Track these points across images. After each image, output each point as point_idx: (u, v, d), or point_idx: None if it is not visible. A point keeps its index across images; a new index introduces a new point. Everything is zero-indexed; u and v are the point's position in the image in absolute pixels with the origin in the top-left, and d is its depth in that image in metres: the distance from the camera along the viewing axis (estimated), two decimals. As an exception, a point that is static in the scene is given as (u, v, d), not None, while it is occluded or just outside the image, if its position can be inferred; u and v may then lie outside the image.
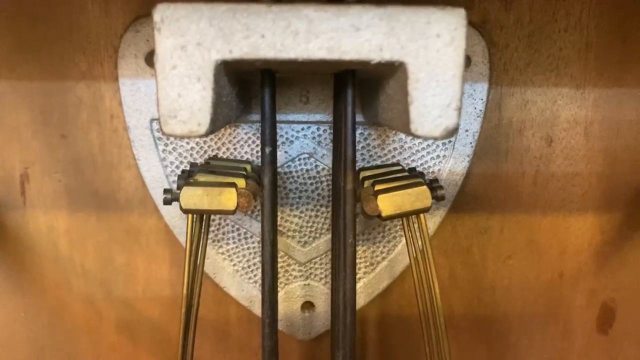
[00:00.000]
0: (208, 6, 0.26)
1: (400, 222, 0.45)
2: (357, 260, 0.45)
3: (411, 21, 0.27)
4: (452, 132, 0.28)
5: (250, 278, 0.46)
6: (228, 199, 0.34)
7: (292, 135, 0.43)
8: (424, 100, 0.28)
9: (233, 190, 0.35)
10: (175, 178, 0.43)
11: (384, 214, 0.35)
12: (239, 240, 0.45)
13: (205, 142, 0.42)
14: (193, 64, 0.26)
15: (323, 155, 0.43)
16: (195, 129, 0.27)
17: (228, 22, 0.26)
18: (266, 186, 0.35)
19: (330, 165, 0.43)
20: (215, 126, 0.28)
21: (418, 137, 0.28)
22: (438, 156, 0.44)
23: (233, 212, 0.35)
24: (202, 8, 0.26)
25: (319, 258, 0.46)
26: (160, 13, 0.26)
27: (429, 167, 0.44)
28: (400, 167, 0.41)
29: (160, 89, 0.27)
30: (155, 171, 0.43)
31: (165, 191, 0.37)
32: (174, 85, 0.27)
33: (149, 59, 0.41)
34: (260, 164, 0.37)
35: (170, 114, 0.27)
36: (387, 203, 0.35)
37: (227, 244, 0.45)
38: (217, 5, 0.26)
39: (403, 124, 0.29)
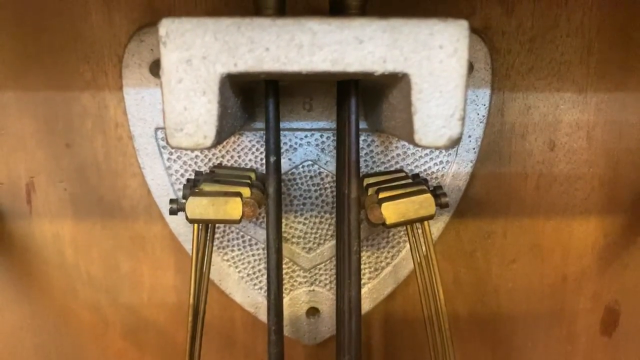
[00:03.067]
0: (213, 20, 0.26)
1: (405, 227, 0.45)
2: (362, 266, 0.46)
3: (414, 33, 0.27)
4: (456, 142, 0.28)
5: (255, 285, 0.46)
6: (233, 208, 0.35)
7: (296, 143, 0.43)
8: (428, 110, 0.28)
9: (238, 199, 0.35)
10: (180, 186, 0.43)
11: (388, 222, 0.35)
12: (244, 247, 0.45)
13: (209, 150, 0.43)
14: (198, 78, 0.27)
15: (327, 162, 0.43)
16: (202, 142, 0.28)
17: (233, 35, 0.26)
18: (271, 195, 0.35)
19: (334, 172, 0.43)
20: (220, 138, 0.29)
21: (422, 147, 0.29)
22: (441, 162, 0.44)
23: (238, 222, 0.35)
24: (207, 22, 0.26)
25: (323, 264, 0.46)
26: (165, 27, 0.26)
27: (433, 172, 0.44)
28: (403, 174, 0.41)
29: (166, 103, 0.27)
30: (160, 179, 0.43)
31: (171, 201, 0.37)
32: (180, 99, 0.27)
33: (153, 68, 0.41)
34: (264, 171, 0.37)
35: (177, 127, 0.27)
36: (391, 211, 0.35)
37: (232, 251, 0.45)
38: (222, 19, 0.26)
39: (407, 133, 0.29)
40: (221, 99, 0.27)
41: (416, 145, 0.28)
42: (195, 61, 0.27)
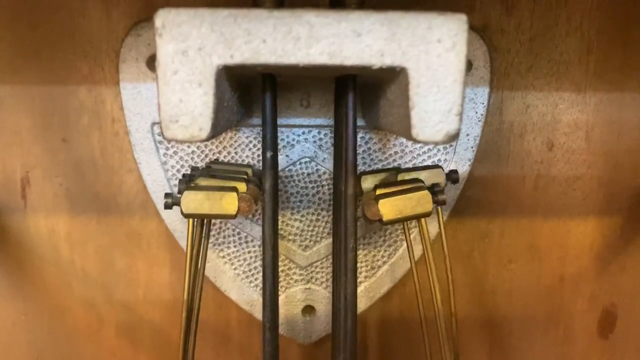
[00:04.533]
0: (209, 11, 0.26)
1: (402, 226, 0.45)
2: (358, 264, 0.45)
3: (412, 27, 0.27)
4: (454, 137, 0.28)
5: (251, 282, 0.46)
6: (229, 203, 0.34)
7: (293, 139, 0.43)
8: (425, 105, 0.28)
9: (234, 194, 0.35)
10: (176, 182, 0.43)
11: (385, 219, 0.35)
12: (240, 244, 0.45)
13: (206, 145, 0.42)
14: (194, 69, 0.26)
15: (324, 159, 0.43)
16: (197, 134, 0.27)
17: (229, 27, 0.26)
18: (267, 190, 0.35)
19: (332, 169, 0.43)
20: (216, 131, 0.28)
21: (419, 142, 0.28)
22: (439, 160, 0.44)
23: (234, 217, 0.35)
24: (204, 13, 0.26)
25: (319, 262, 0.46)
26: (161, 18, 0.26)
27: (430, 171, 0.44)
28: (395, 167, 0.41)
29: (161, 94, 0.27)
30: (156, 175, 0.43)
31: (166, 195, 0.37)
32: (175, 91, 0.27)
33: (151, 63, 0.41)
34: (261, 168, 0.37)
35: (172, 119, 0.27)
36: (388, 208, 0.35)
37: (228, 247, 0.45)
38: (219, 11, 0.26)
39: (404, 128, 0.29)
40: (217, 91, 0.27)
41: (413, 140, 0.28)
42: (191, 52, 0.26)
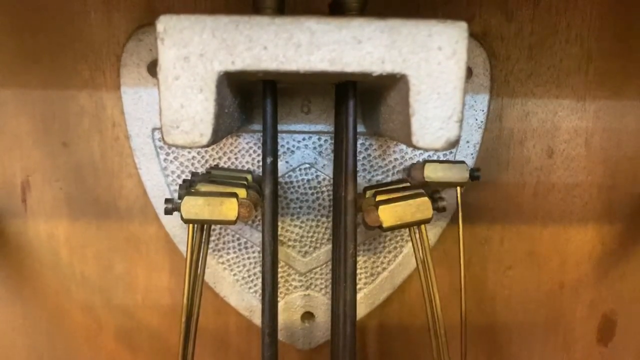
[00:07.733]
0: (211, 17, 0.26)
1: (401, 232, 0.45)
2: (358, 271, 0.45)
3: (412, 34, 0.27)
4: (454, 144, 0.28)
5: (250, 288, 0.46)
6: (229, 209, 0.34)
7: (293, 145, 0.43)
8: (426, 112, 0.28)
9: (234, 200, 0.35)
10: (176, 187, 0.43)
11: (384, 225, 0.35)
12: (240, 250, 0.45)
13: (206, 151, 0.42)
14: (196, 75, 0.27)
15: (324, 165, 0.43)
16: (198, 140, 0.27)
17: (231, 33, 0.26)
18: (267, 196, 0.35)
19: (331, 176, 0.43)
20: (217, 136, 0.28)
21: (419, 149, 0.28)
22: (439, 167, 0.44)
23: (234, 222, 0.35)
24: (205, 19, 0.26)
25: (319, 268, 0.46)
26: (163, 24, 0.26)
27: (430, 177, 0.44)
28: (401, 178, 0.41)
29: (162, 100, 0.27)
30: (156, 180, 0.43)
31: (167, 201, 0.37)
32: (176, 96, 0.27)
33: (152, 68, 0.41)
34: (261, 174, 0.37)
35: (173, 125, 0.27)
36: (388, 214, 0.35)
37: (228, 253, 0.45)
38: (220, 17, 0.26)
39: (404, 135, 0.29)
40: (218, 97, 0.27)
41: (414, 147, 0.28)
42: (193, 58, 0.26)
